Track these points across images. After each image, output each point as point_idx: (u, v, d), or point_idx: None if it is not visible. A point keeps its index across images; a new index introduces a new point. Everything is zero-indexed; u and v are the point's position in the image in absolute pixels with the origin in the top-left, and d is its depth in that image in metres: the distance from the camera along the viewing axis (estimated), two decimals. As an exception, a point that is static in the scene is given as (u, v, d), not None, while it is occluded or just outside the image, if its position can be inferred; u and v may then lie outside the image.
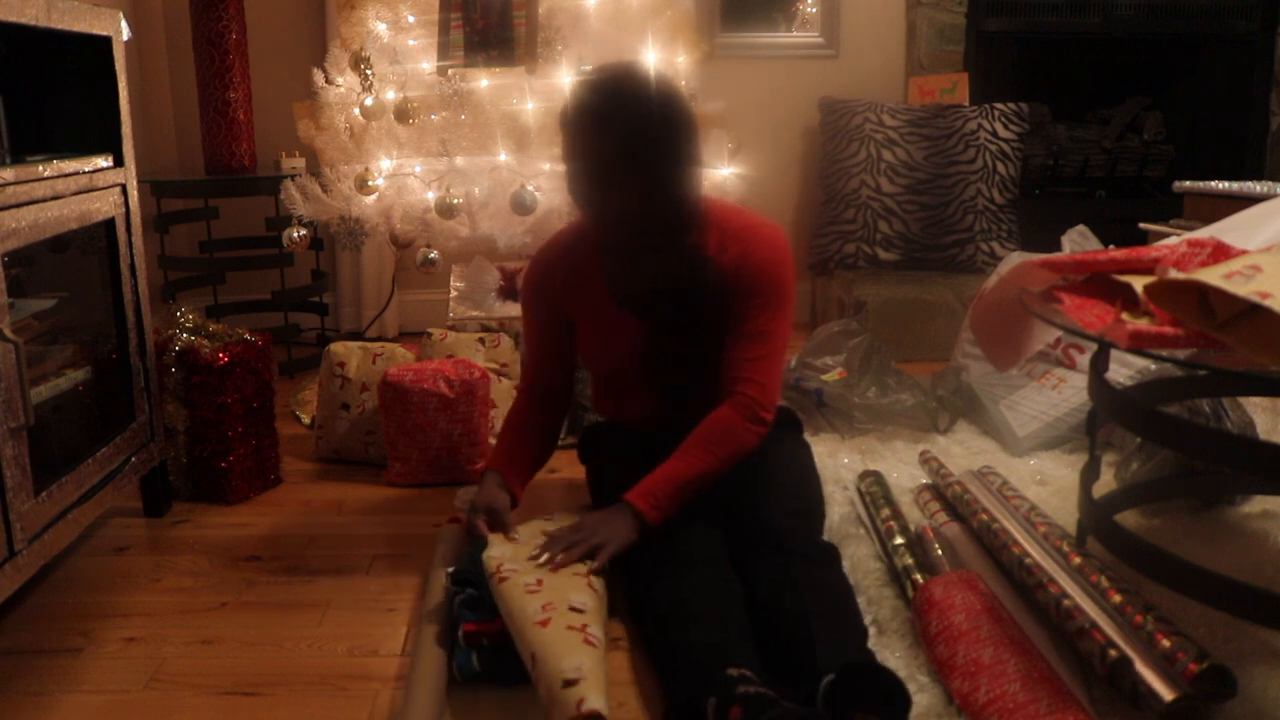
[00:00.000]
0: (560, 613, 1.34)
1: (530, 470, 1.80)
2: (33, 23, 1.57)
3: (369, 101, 2.38)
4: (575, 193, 1.65)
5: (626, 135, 1.56)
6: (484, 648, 1.39)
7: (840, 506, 1.95)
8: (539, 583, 1.41)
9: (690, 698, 1.26)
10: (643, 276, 1.71)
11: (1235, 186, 2.88)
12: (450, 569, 1.53)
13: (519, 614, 1.34)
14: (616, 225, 1.65)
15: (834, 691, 1.19)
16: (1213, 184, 2.96)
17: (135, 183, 1.92)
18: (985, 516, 1.71)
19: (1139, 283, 1.39)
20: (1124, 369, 2.20)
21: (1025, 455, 2.22)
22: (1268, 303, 1.16)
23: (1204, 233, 2.10)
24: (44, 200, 1.61)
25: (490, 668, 1.38)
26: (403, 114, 2.35)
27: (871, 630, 1.52)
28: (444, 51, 2.37)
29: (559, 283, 1.78)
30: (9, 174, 1.53)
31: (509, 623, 1.36)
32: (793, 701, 1.23)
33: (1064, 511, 1.79)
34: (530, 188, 2.28)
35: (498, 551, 1.52)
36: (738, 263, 1.67)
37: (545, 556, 1.49)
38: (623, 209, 1.61)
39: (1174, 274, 1.34)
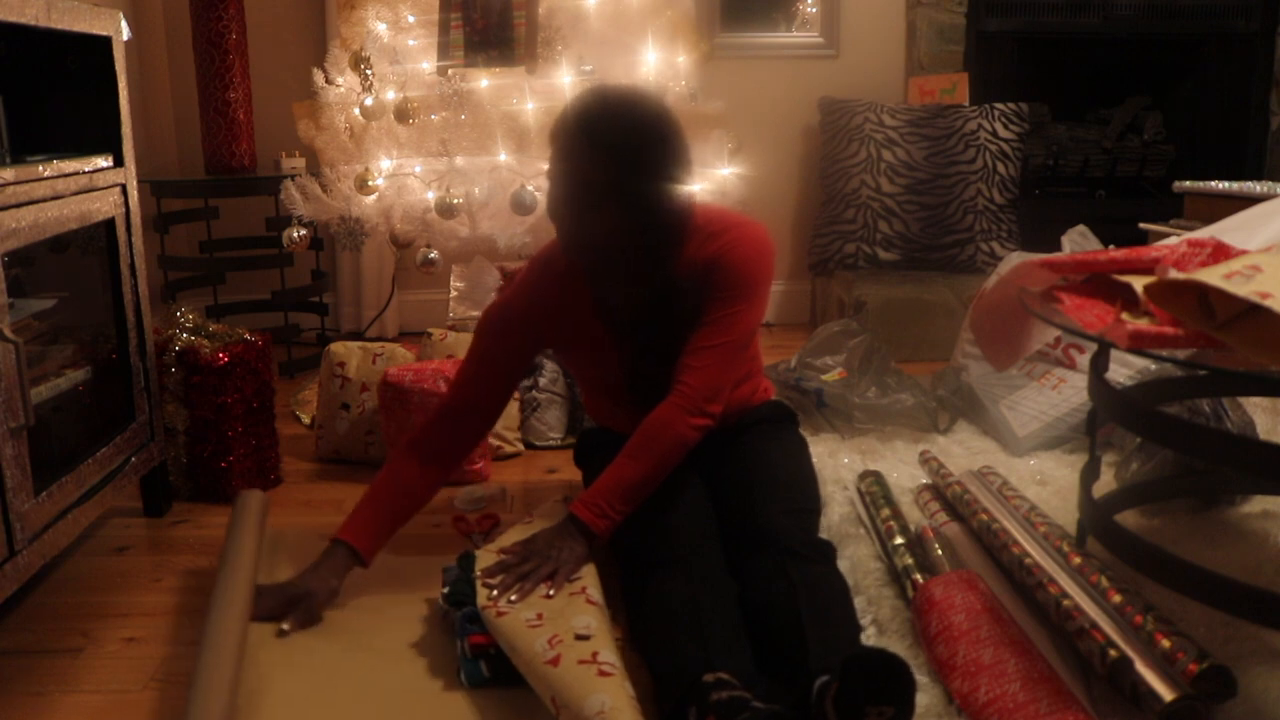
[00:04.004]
0: (568, 645, 1.32)
1: (396, 525, 1.66)
2: (33, 23, 1.57)
3: (369, 101, 2.38)
4: (553, 212, 1.63)
5: (616, 156, 1.54)
6: (491, 656, 1.39)
7: (840, 506, 1.95)
8: (539, 617, 1.40)
9: (674, 706, 1.27)
10: (619, 301, 1.70)
11: (1235, 186, 2.88)
12: (444, 590, 1.54)
13: (526, 653, 1.33)
14: (589, 248, 1.63)
15: (843, 685, 1.19)
16: (1213, 184, 2.96)
17: (135, 183, 1.92)
18: (985, 516, 1.71)
19: (1139, 283, 1.39)
20: (1124, 369, 2.20)
21: (1025, 455, 2.22)
22: (1268, 303, 1.16)
23: (1204, 233, 2.10)
24: (44, 200, 1.61)
25: (498, 673, 1.39)
26: (403, 114, 2.35)
27: (871, 630, 1.52)
28: (444, 51, 2.37)
29: (550, 305, 1.73)
30: (9, 174, 1.53)
31: (515, 660, 1.35)
32: (786, 702, 1.23)
33: (1064, 511, 1.79)
34: (530, 188, 2.28)
35: (488, 574, 1.53)
36: (715, 258, 1.65)
37: (501, 596, 1.46)
38: (596, 231, 1.59)
39: (1174, 274, 1.34)
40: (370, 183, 2.38)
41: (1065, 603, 1.42)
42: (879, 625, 1.53)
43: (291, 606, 1.54)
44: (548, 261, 1.76)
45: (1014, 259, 2.49)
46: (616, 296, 1.70)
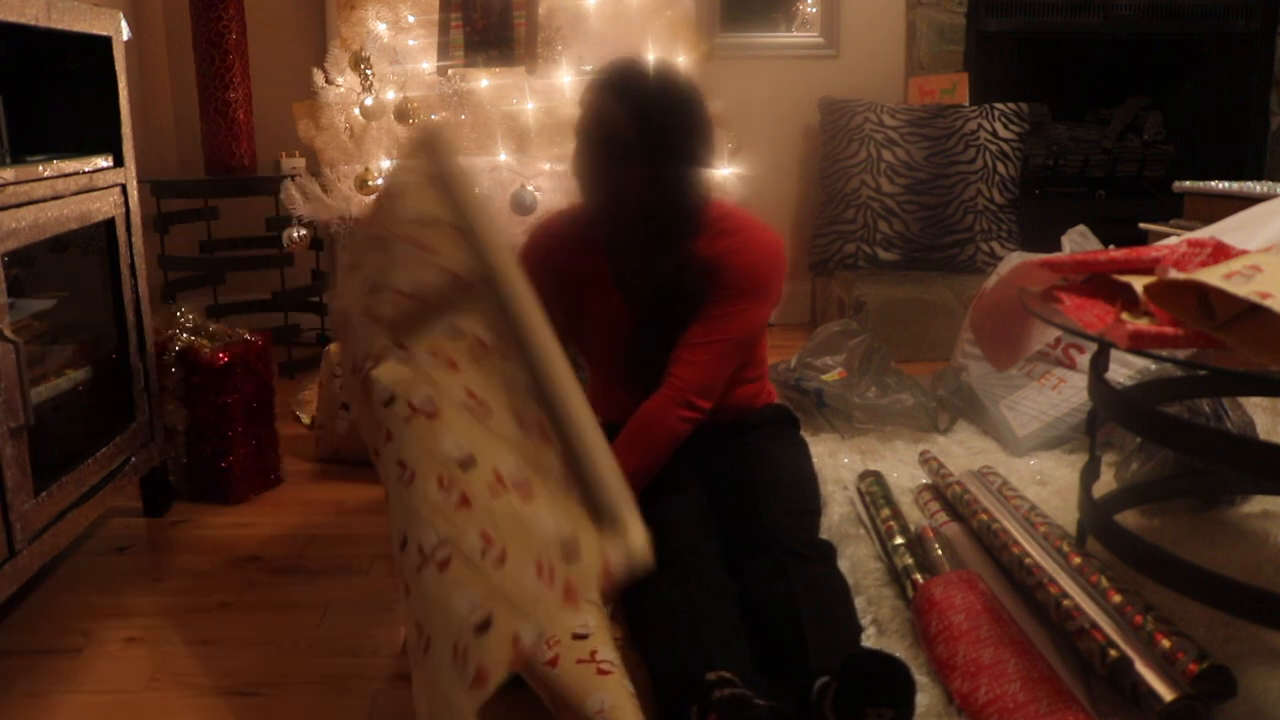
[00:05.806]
0: (566, 644, 1.31)
1: None
2: (33, 23, 1.57)
3: (369, 101, 2.38)
4: (583, 172, 1.62)
5: (646, 113, 1.54)
6: None
7: (840, 506, 1.95)
8: None
9: (674, 705, 1.27)
10: (637, 274, 1.69)
11: (1235, 186, 2.88)
12: None
13: None
14: (619, 212, 1.62)
15: (842, 685, 1.19)
16: (1213, 184, 2.96)
17: (135, 183, 1.92)
18: (985, 516, 1.71)
19: (1139, 283, 1.39)
20: (1124, 369, 2.20)
21: (1025, 455, 2.22)
22: (1268, 303, 1.16)
23: (1204, 233, 2.10)
24: (44, 200, 1.61)
25: None
26: (403, 114, 2.35)
27: (871, 630, 1.52)
28: (444, 51, 2.37)
29: (562, 259, 1.72)
30: (9, 174, 1.53)
31: None
32: (785, 701, 1.23)
33: (1064, 511, 1.79)
34: (530, 188, 2.28)
35: None
36: (721, 256, 1.64)
37: None
38: (616, 192, 1.58)
39: (1174, 274, 1.35)
40: (370, 183, 2.37)
41: (1065, 603, 1.42)
42: (879, 625, 1.53)
43: None
44: (570, 215, 1.75)
45: (1014, 259, 2.50)
46: (632, 272, 1.70)
